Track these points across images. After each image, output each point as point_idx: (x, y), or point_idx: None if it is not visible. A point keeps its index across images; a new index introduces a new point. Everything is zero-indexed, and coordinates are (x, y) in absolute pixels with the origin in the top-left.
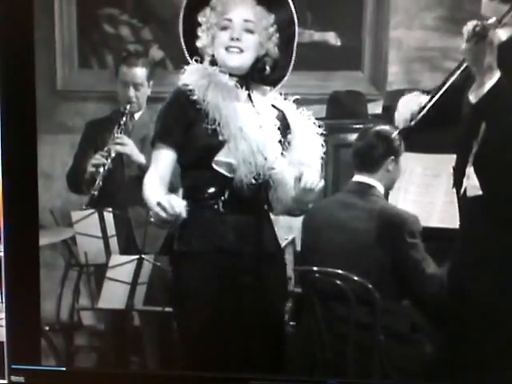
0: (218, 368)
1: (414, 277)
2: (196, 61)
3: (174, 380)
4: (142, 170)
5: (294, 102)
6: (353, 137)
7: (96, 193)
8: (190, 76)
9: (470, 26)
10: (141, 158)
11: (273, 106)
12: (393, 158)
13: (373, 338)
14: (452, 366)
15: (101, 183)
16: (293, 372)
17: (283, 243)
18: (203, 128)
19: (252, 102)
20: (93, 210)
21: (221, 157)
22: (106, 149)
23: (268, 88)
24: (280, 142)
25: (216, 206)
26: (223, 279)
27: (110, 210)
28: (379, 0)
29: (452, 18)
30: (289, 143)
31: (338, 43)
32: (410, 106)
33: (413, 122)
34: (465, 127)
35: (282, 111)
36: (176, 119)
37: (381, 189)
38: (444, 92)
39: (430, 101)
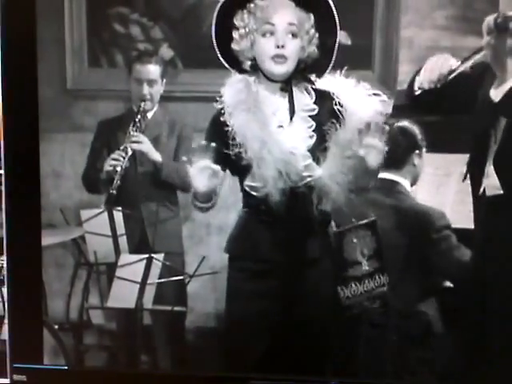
0: (218, 367)
1: (445, 269)
2: (233, 68)
3: (178, 379)
4: (157, 168)
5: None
6: None
7: (114, 192)
8: (228, 90)
9: (490, 19)
10: (157, 156)
11: (318, 90)
12: (417, 152)
13: (386, 339)
14: (472, 369)
15: (119, 182)
16: (298, 372)
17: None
18: (232, 151)
19: (293, 104)
20: (102, 209)
21: (248, 181)
22: (122, 147)
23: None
24: (322, 134)
25: (255, 215)
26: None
27: (120, 209)
28: None
29: (463, 17)
30: (336, 127)
31: (349, 42)
32: (438, 67)
33: (439, 85)
34: (484, 125)
35: (328, 93)
36: (211, 140)
37: (406, 185)
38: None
39: (461, 65)
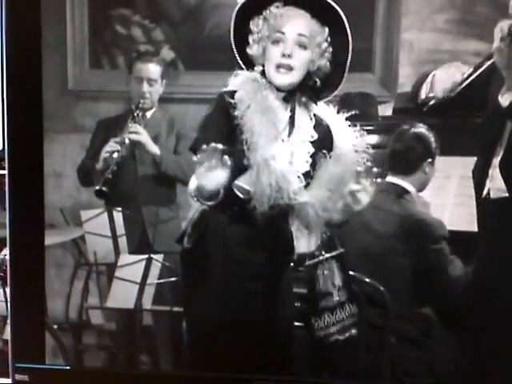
0: (221, 368)
1: (438, 281)
2: (247, 69)
3: (179, 380)
4: (157, 164)
5: (347, 118)
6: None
7: (110, 176)
8: (241, 85)
9: (504, 25)
10: (155, 149)
11: (317, 116)
12: (430, 160)
13: (384, 341)
14: (471, 371)
15: (115, 168)
16: (300, 373)
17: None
18: (236, 145)
19: (294, 118)
20: (102, 210)
21: (240, 181)
22: (119, 138)
23: (316, 100)
24: (313, 160)
25: (230, 214)
26: (226, 282)
27: (120, 209)
28: (391, 2)
29: (463, 21)
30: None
31: None
32: (450, 75)
33: (453, 94)
34: (491, 129)
35: (326, 123)
36: (218, 129)
37: (413, 191)
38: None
39: (473, 73)
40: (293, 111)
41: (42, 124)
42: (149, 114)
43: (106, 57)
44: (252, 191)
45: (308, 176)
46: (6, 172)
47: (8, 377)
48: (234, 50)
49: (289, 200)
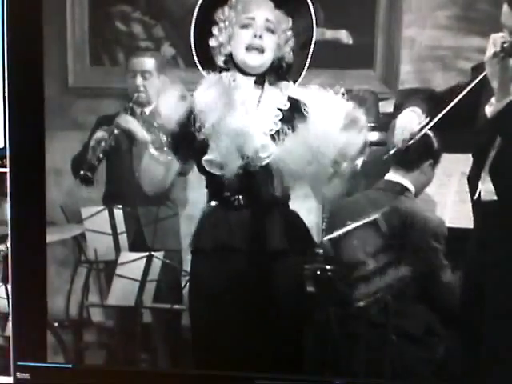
0: (223, 367)
1: (430, 281)
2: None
3: (181, 378)
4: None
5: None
6: None
7: (96, 163)
8: (202, 85)
9: (497, 40)
10: (146, 137)
11: (289, 97)
12: (431, 161)
13: (384, 338)
14: (464, 369)
15: (100, 155)
16: (302, 371)
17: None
18: (191, 127)
19: (263, 92)
20: (103, 207)
21: (207, 156)
22: (108, 126)
23: (286, 83)
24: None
25: (222, 204)
26: (230, 277)
27: (120, 206)
28: None
29: (465, 17)
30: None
31: (350, 41)
32: (409, 124)
33: (411, 142)
34: (480, 138)
35: (298, 100)
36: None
37: (412, 189)
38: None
39: (429, 122)
40: (262, 90)
41: (44, 122)
42: (147, 111)
43: (106, 54)
44: (218, 159)
45: (280, 136)
46: (7, 170)
47: (9, 375)
48: (193, 46)
49: (257, 159)
